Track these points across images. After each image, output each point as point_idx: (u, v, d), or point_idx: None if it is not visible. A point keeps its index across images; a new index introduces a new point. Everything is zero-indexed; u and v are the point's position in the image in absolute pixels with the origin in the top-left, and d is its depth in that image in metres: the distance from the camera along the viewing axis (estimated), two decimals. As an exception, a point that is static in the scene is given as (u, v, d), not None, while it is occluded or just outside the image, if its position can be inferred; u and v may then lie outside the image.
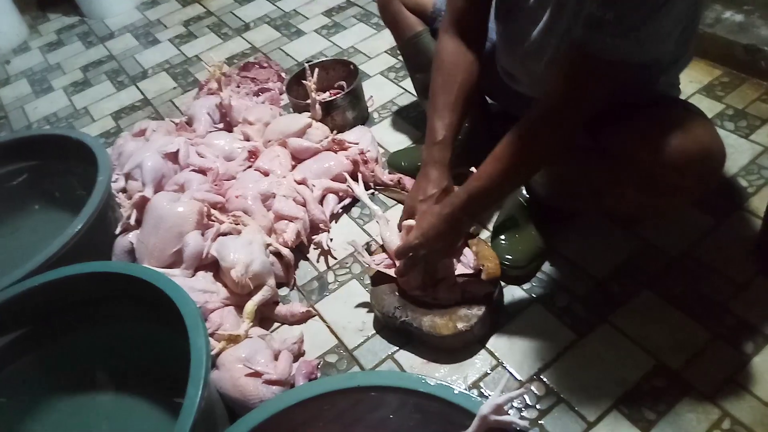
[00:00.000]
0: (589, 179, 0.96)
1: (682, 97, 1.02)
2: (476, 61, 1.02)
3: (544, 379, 0.97)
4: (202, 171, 1.31)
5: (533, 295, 1.09)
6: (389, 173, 1.38)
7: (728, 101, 1.36)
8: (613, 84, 0.79)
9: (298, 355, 1.08)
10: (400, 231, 1.07)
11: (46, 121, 1.96)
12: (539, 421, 0.92)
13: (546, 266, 1.13)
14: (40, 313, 1.01)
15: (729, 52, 1.42)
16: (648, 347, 0.97)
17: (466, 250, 1.07)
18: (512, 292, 1.10)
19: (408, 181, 1.34)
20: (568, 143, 0.86)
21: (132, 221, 1.19)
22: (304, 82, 1.47)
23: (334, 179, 1.34)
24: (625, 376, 0.94)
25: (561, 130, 0.83)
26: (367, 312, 1.14)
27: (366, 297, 1.15)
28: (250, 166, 1.37)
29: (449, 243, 0.98)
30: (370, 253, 1.16)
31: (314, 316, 1.16)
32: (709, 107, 1.34)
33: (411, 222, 1.01)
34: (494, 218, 1.20)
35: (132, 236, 1.19)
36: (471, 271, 1.04)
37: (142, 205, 1.19)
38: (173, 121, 1.62)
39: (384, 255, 1.11)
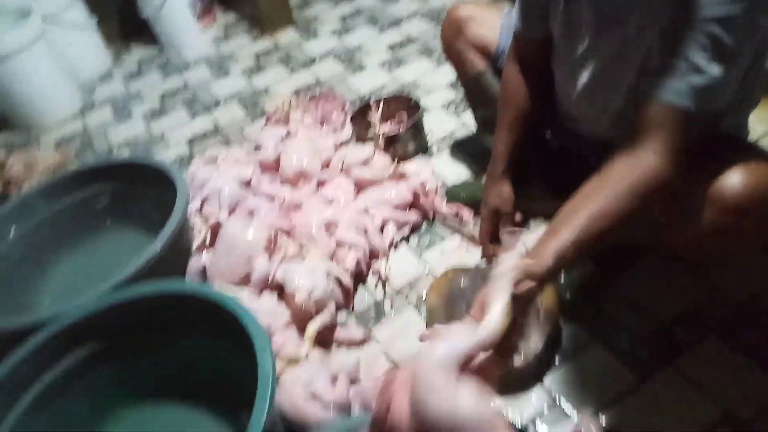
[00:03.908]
0: (649, 217, 0.96)
1: (753, 137, 1.00)
2: (533, 87, 1.10)
3: (602, 422, 0.95)
4: (270, 197, 1.38)
5: (594, 336, 1.08)
6: (447, 204, 1.40)
7: (803, 143, 1.32)
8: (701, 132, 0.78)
9: (354, 380, 1.10)
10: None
11: (126, 146, 2.10)
12: (597, 464, 0.90)
13: (609, 307, 1.12)
14: (119, 327, 1.08)
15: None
16: (714, 396, 0.94)
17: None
18: (573, 331, 1.09)
19: (466, 213, 1.36)
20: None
21: (207, 242, 1.27)
22: (368, 118, 1.52)
23: (394, 208, 1.38)
24: (689, 424, 0.92)
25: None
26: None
27: (421, 325, 1.17)
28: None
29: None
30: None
31: (371, 341, 1.19)
32: (781, 149, 1.31)
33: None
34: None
35: (205, 257, 1.26)
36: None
37: (216, 228, 1.26)
38: (243, 149, 1.71)
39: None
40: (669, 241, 0.96)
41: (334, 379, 1.07)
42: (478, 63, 1.28)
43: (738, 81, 0.76)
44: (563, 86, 1.05)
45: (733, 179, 0.78)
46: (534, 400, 1.01)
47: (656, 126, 0.75)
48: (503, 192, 1.16)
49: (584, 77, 0.96)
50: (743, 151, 0.83)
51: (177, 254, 1.26)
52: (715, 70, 0.72)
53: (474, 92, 1.34)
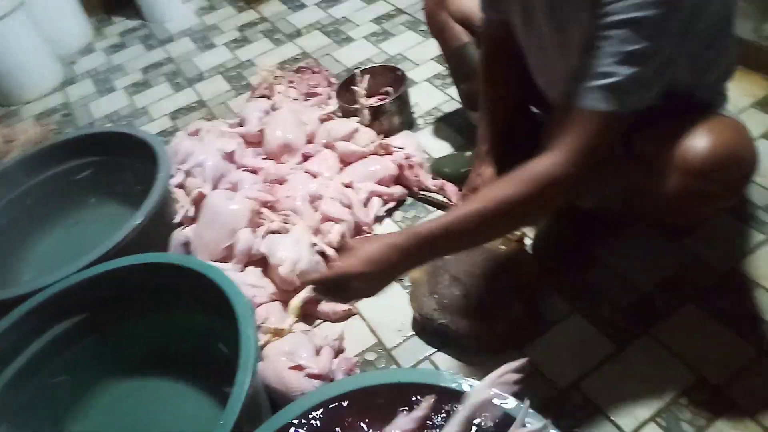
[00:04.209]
0: (620, 183, 0.96)
1: (735, 110, 1.01)
2: (508, 68, 1.10)
3: (582, 389, 0.97)
4: (254, 171, 1.37)
5: (574, 305, 1.09)
6: (432, 179, 1.40)
7: (784, 116, 1.33)
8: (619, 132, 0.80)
9: (338, 352, 1.11)
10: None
11: (107, 119, 2.07)
12: (574, 430, 0.93)
13: (589, 276, 1.13)
14: (101, 300, 1.08)
15: (787, 66, 1.38)
16: (689, 361, 0.96)
17: None
18: (553, 301, 1.11)
19: (450, 188, 1.36)
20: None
21: (191, 214, 1.27)
22: (353, 87, 1.51)
23: (379, 183, 1.38)
24: (665, 389, 0.94)
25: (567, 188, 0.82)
26: (407, 313, 1.16)
27: (405, 298, 1.18)
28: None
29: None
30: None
31: (355, 314, 1.19)
32: (763, 122, 1.32)
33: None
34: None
35: (188, 230, 1.26)
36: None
37: (199, 200, 1.26)
38: (226, 122, 1.69)
39: None
40: (642, 208, 0.97)
41: (317, 351, 1.08)
42: (461, 35, 1.27)
43: (662, 76, 0.77)
44: (532, 69, 1.05)
45: (697, 143, 0.79)
46: (514, 368, 1.03)
47: (568, 128, 0.78)
48: (484, 173, 1.16)
49: (547, 63, 0.97)
50: (710, 118, 0.83)
51: (159, 227, 1.26)
52: (625, 71, 0.73)
53: (457, 65, 1.33)
